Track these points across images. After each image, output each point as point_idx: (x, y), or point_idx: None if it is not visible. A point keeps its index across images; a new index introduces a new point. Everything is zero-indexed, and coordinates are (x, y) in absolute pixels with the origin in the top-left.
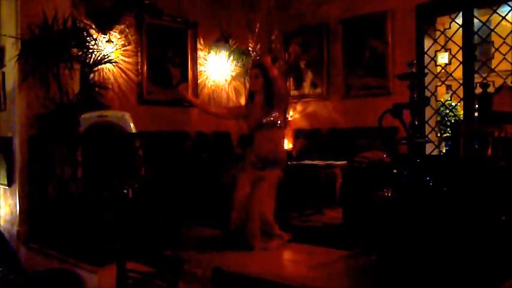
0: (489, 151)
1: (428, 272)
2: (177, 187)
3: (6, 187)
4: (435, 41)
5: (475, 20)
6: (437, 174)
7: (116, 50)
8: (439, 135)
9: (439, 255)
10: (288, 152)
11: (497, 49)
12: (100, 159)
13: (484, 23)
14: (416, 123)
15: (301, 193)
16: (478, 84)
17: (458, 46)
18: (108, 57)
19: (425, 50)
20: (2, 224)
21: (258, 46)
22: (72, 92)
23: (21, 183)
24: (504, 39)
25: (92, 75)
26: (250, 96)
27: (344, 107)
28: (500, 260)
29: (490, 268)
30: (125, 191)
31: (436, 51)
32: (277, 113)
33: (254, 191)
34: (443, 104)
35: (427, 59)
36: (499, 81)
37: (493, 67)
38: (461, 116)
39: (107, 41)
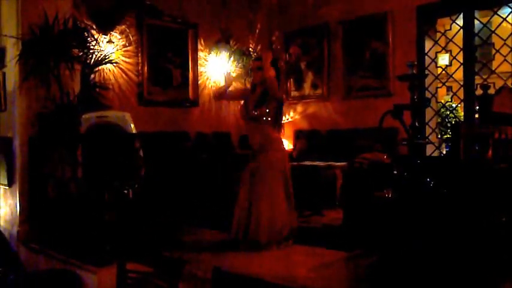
0: (489, 153)
1: (429, 273)
2: (177, 187)
3: (7, 187)
4: (436, 42)
5: (476, 22)
6: (438, 176)
7: (117, 50)
8: (439, 136)
9: (440, 256)
10: (289, 153)
11: (497, 51)
12: (100, 159)
13: (484, 25)
14: (416, 124)
15: (301, 194)
16: (478, 86)
17: (459, 47)
18: (108, 57)
19: (426, 51)
20: (2, 224)
21: (259, 47)
22: (72, 93)
23: (21, 183)
24: (505, 40)
25: (92, 76)
26: (253, 88)
27: (344, 107)
28: (501, 261)
29: (490, 269)
30: (125, 191)
31: (436, 53)
32: (265, 109)
33: (254, 186)
34: (443, 106)
35: (427, 60)
36: (499, 83)
37: (493, 69)
38: (462, 117)
39: (107, 42)
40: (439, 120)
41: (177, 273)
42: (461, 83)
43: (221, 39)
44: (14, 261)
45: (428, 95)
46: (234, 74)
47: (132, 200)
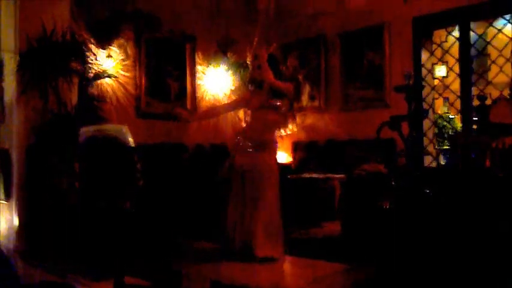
0: (487, 162)
1: (428, 284)
2: (175, 199)
3: (4, 202)
4: (432, 53)
5: (472, 33)
6: (436, 186)
7: (116, 64)
8: (437, 147)
9: (439, 266)
10: (287, 165)
11: (493, 61)
12: (98, 172)
13: (480, 36)
14: (414, 135)
15: (299, 206)
16: (475, 97)
17: (455, 59)
18: (107, 72)
19: (423, 62)
20: (0, 238)
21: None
22: (70, 105)
23: (19, 197)
24: (500, 51)
25: (90, 89)
26: (258, 85)
27: (342, 119)
28: (501, 271)
29: (490, 278)
30: (123, 204)
31: (433, 64)
32: (281, 102)
33: (248, 190)
34: (440, 116)
35: (424, 72)
36: (495, 94)
37: (489, 79)
38: (459, 128)
39: (106, 56)
40: (436, 131)
41: (175, 286)
42: (458, 94)
43: (218, 52)
44: (13, 276)
45: (425, 106)
46: (232, 87)
47: (130, 213)
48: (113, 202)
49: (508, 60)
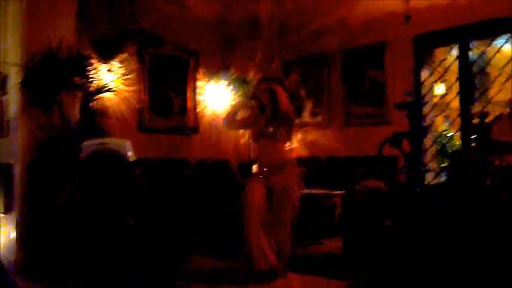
0: (488, 180)
1: None
2: (177, 215)
3: (3, 214)
4: (433, 71)
5: (472, 51)
6: (438, 203)
7: (117, 78)
8: (438, 164)
9: (440, 281)
10: None
11: (494, 80)
12: (101, 186)
13: (480, 55)
14: (414, 152)
15: (299, 222)
16: (475, 114)
17: (456, 77)
18: (108, 86)
19: (423, 80)
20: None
21: (259, 75)
22: (73, 120)
23: (20, 210)
24: (501, 69)
25: (93, 103)
26: (261, 109)
27: (343, 135)
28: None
29: None
30: (126, 218)
31: (433, 82)
32: (277, 127)
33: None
34: (441, 134)
35: (425, 89)
36: (496, 112)
37: (490, 97)
38: (458, 145)
39: (108, 70)
40: (438, 148)
41: None
42: (458, 112)
43: (221, 68)
44: (10, 284)
45: (426, 123)
46: (233, 103)
47: (132, 228)
48: (115, 216)
49: (508, 78)
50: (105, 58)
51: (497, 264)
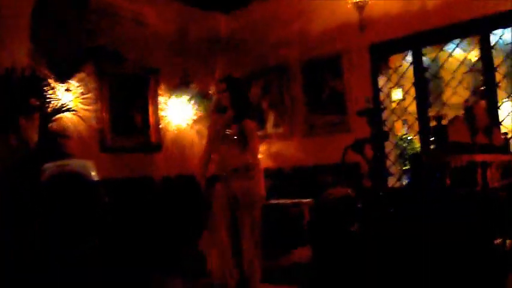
0: (448, 180)
1: None
2: (144, 234)
3: None
4: (389, 78)
5: (426, 57)
6: (402, 206)
7: (76, 98)
8: (399, 168)
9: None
10: None
11: (447, 83)
12: (63, 209)
13: (432, 60)
14: (378, 154)
15: (268, 233)
16: (432, 117)
17: (411, 82)
18: (66, 106)
19: (381, 86)
20: None
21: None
22: (32, 142)
23: None
24: (453, 73)
25: (51, 125)
26: (222, 109)
27: (307, 145)
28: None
29: None
30: (90, 242)
31: (390, 88)
32: (237, 129)
33: (237, 221)
34: (401, 138)
35: (383, 96)
36: (451, 114)
37: (445, 100)
38: (418, 148)
39: (65, 90)
40: (398, 152)
41: None
42: (416, 116)
43: (182, 83)
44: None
45: (385, 128)
46: (195, 117)
47: (98, 251)
48: (79, 241)
49: (460, 82)
50: (63, 78)
51: (463, 263)
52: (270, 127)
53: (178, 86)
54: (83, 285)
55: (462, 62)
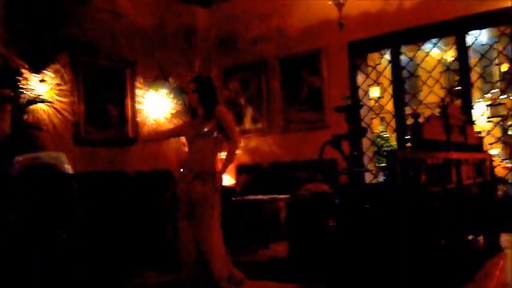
0: (423, 177)
1: None
2: (117, 229)
3: None
4: (368, 76)
5: (403, 56)
6: (377, 202)
7: (51, 89)
8: (376, 164)
9: (384, 281)
10: (232, 188)
11: (424, 82)
12: (34, 202)
13: (410, 59)
14: (355, 153)
15: (246, 228)
16: (409, 115)
17: (389, 80)
18: (41, 97)
19: (359, 84)
20: None
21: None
22: (3, 134)
23: None
24: (430, 73)
25: (25, 116)
26: (193, 112)
27: (284, 141)
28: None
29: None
30: (61, 235)
31: (368, 86)
32: (213, 125)
33: (198, 220)
34: (378, 136)
35: (361, 93)
36: (427, 113)
37: (421, 99)
38: (395, 146)
39: (40, 81)
40: (375, 149)
41: None
42: (393, 114)
43: (160, 77)
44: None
45: (363, 125)
46: (173, 111)
47: (69, 245)
48: (50, 234)
49: (437, 81)
50: (37, 68)
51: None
52: (248, 122)
53: (156, 79)
54: (55, 279)
55: (439, 61)
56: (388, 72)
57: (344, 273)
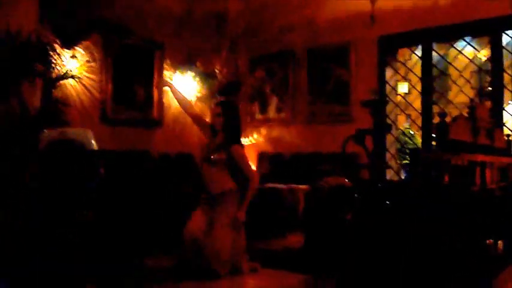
0: (446, 178)
1: None
2: (138, 210)
3: None
4: (396, 71)
5: (434, 53)
6: (397, 199)
7: (80, 66)
8: (398, 162)
9: (398, 277)
10: None
11: (454, 82)
12: (61, 176)
13: (442, 56)
14: (378, 149)
15: (263, 216)
16: (436, 114)
17: (418, 77)
18: (71, 72)
19: (387, 79)
20: None
21: (225, 70)
22: (33, 108)
23: None
24: (461, 72)
25: (54, 92)
26: (214, 132)
27: (307, 132)
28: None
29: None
30: (84, 212)
31: (396, 81)
32: (224, 155)
33: (210, 231)
34: (403, 133)
35: (388, 88)
36: (455, 113)
37: (450, 98)
38: (420, 144)
39: (71, 57)
40: (398, 146)
41: None
42: (420, 111)
43: (187, 61)
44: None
45: (388, 121)
46: (199, 95)
47: (91, 222)
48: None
49: (467, 81)
50: (68, 45)
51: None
52: (272, 111)
53: (183, 62)
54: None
55: (471, 61)
56: (417, 69)
57: (357, 268)
